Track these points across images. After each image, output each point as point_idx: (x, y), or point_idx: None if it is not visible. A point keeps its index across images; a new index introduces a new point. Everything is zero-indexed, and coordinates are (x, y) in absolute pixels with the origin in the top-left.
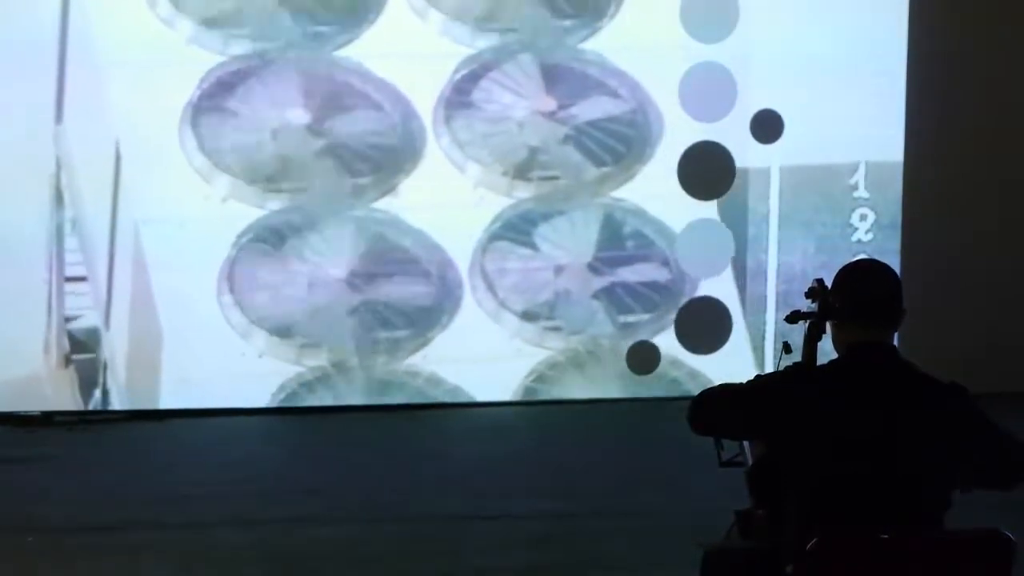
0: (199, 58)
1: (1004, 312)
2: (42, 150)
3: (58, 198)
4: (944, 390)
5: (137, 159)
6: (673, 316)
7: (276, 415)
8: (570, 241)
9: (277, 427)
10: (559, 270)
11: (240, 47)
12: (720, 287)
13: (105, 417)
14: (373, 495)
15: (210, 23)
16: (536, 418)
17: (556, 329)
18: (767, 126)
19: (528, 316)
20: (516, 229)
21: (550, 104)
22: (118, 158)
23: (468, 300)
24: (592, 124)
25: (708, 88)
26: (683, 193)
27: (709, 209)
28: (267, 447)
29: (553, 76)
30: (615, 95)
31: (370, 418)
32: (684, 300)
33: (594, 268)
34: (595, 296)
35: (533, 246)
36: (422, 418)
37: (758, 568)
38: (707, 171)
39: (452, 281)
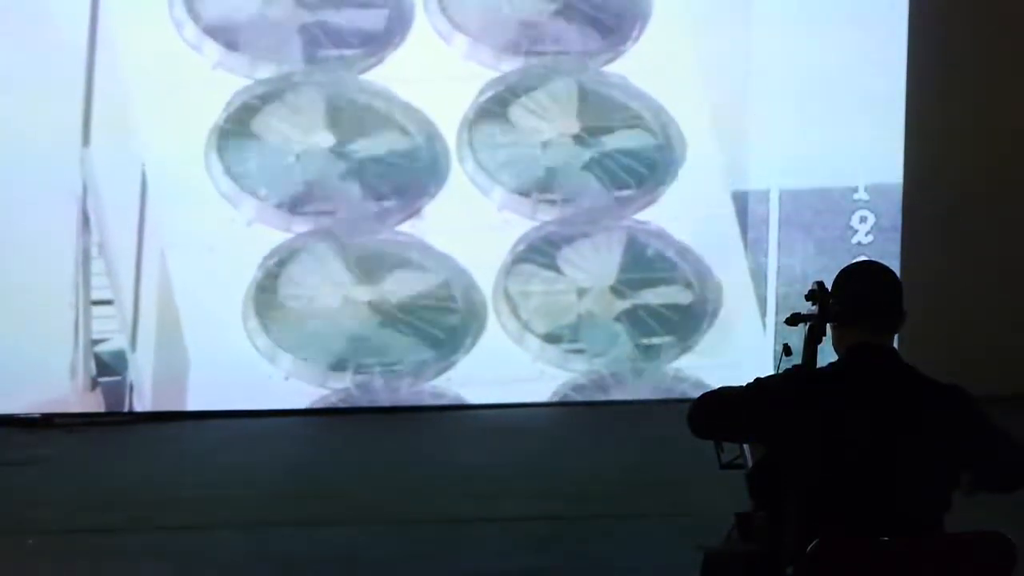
0: (225, 82)
1: (1005, 314)
2: (69, 173)
3: (84, 222)
4: (944, 392)
5: (163, 182)
6: (696, 338)
7: (277, 418)
8: (593, 264)
9: (278, 430)
10: (582, 293)
11: (266, 71)
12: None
13: (105, 420)
14: (374, 497)
15: (236, 47)
16: (536, 420)
17: (579, 352)
18: (767, 128)
19: (551, 339)
20: (540, 252)
21: (574, 127)
22: (144, 181)
23: (492, 323)
24: (615, 147)
25: None
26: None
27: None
28: (268, 450)
29: (577, 99)
30: (638, 117)
31: (371, 420)
32: (707, 322)
33: (617, 291)
34: (618, 319)
35: (557, 269)
36: (423, 421)
37: (758, 570)
38: None
39: (476, 303)
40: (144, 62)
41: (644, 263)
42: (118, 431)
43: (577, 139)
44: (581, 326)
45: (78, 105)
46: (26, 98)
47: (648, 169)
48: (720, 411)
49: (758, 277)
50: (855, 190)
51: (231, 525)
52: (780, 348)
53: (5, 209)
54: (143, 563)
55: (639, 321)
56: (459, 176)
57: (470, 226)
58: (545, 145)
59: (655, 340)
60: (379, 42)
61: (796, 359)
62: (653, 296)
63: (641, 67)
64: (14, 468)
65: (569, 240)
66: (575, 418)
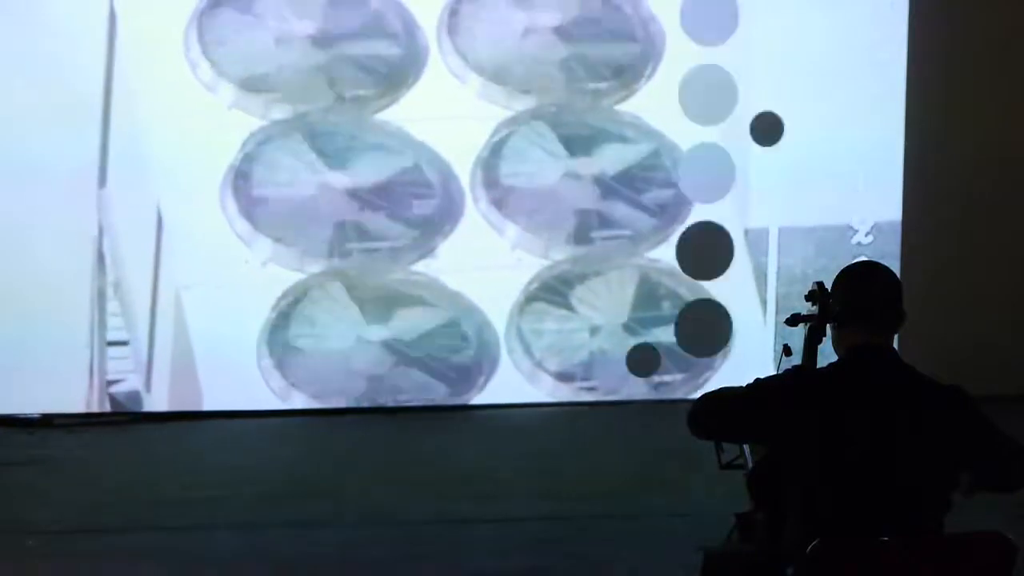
0: (241, 122)
1: (1005, 315)
2: (85, 214)
3: (100, 262)
4: (944, 392)
5: (179, 223)
6: (708, 374)
7: (276, 418)
8: (606, 302)
9: (277, 430)
10: (595, 331)
11: (281, 111)
12: (720, 288)
13: (105, 420)
14: (374, 498)
15: (251, 87)
16: (536, 420)
17: (591, 389)
18: (768, 129)
19: (564, 377)
20: (553, 290)
21: (588, 165)
22: (160, 222)
23: (505, 361)
24: (628, 186)
25: (708, 90)
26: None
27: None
28: (267, 450)
29: (589, 138)
30: (654, 157)
31: (371, 421)
32: (717, 358)
33: (629, 329)
34: (630, 356)
35: (570, 307)
36: (423, 421)
37: (758, 571)
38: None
39: (489, 342)
40: (160, 103)
41: (656, 301)
42: (118, 431)
43: (591, 177)
44: (594, 364)
45: (94, 146)
46: (43, 139)
47: (660, 208)
48: (720, 412)
49: (758, 277)
50: (856, 190)
51: (231, 525)
52: (780, 348)
53: (22, 250)
54: (143, 563)
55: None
56: (473, 215)
57: (484, 265)
58: (559, 183)
59: (667, 378)
60: (394, 82)
61: (796, 359)
62: (665, 334)
63: (654, 106)
64: (14, 468)
65: (582, 278)
66: (575, 418)
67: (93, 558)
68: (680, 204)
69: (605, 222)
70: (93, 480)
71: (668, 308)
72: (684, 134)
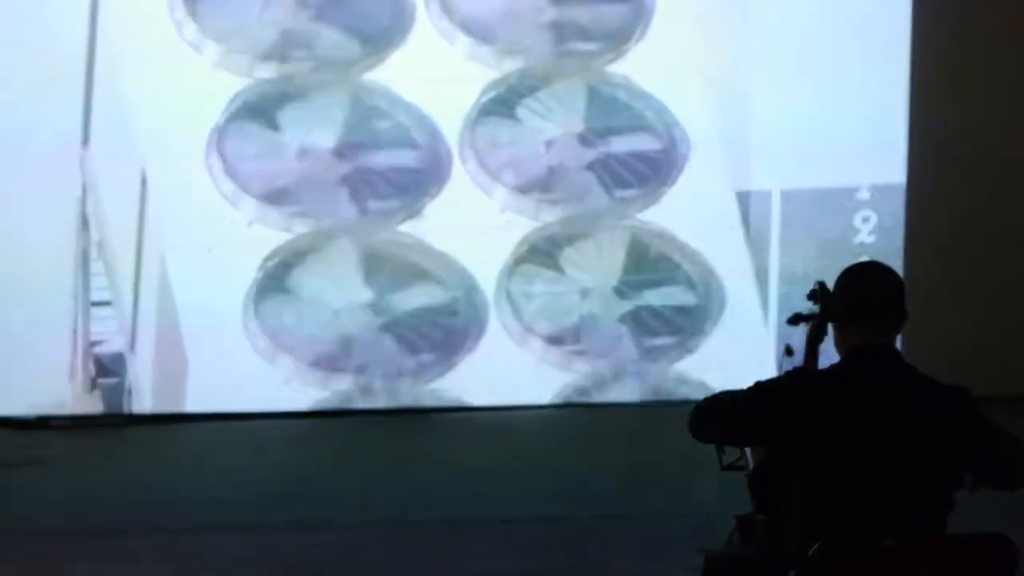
0: (226, 82)
1: (1007, 315)
2: (68, 174)
3: (84, 223)
4: (946, 393)
5: (163, 183)
6: (699, 340)
7: (275, 419)
8: (596, 264)
9: (276, 431)
10: (585, 294)
11: (266, 70)
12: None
13: (102, 422)
14: (373, 499)
15: (236, 47)
16: (536, 422)
17: (581, 353)
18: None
19: (554, 340)
20: (542, 252)
21: (577, 127)
22: (144, 182)
23: (494, 324)
24: (618, 147)
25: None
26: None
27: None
28: (266, 451)
29: (580, 99)
30: (641, 117)
31: (370, 422)
32: (710, 323)
33: (620, 291)
34: (621, 320)
35: (559, 269)
36: (423, 422)
37: (759, 573)
38: None
39: (478, 305)
40: (144, 62)
41: (647, 264)
42: (115, 433)
43: (580, 139)
44: (584, 327)
45: (78, 106)
46: (25, 99)
47: (651, 169)
48: (721, 414)
49: (760, 277)
50: (857, 189)
51: (231, 526)
52: (782, 348)
53: (4, 210)
54: (143, 563)
55: (642, 322)
56: (461, 176)
57: (472, 226)
58: (548, 145)
59: (658, 341)
60: (381, 42)
61: (798, 359)
62: (656, 297)
63: (644, 67)
64: (13, 469)
65: (571, 240)
66: (575, 419)
67: (93, 558)
68: (671, 165)
69: (595, 184)
70: (92, 481)
71: (659, 271)
72: (687, 134)
